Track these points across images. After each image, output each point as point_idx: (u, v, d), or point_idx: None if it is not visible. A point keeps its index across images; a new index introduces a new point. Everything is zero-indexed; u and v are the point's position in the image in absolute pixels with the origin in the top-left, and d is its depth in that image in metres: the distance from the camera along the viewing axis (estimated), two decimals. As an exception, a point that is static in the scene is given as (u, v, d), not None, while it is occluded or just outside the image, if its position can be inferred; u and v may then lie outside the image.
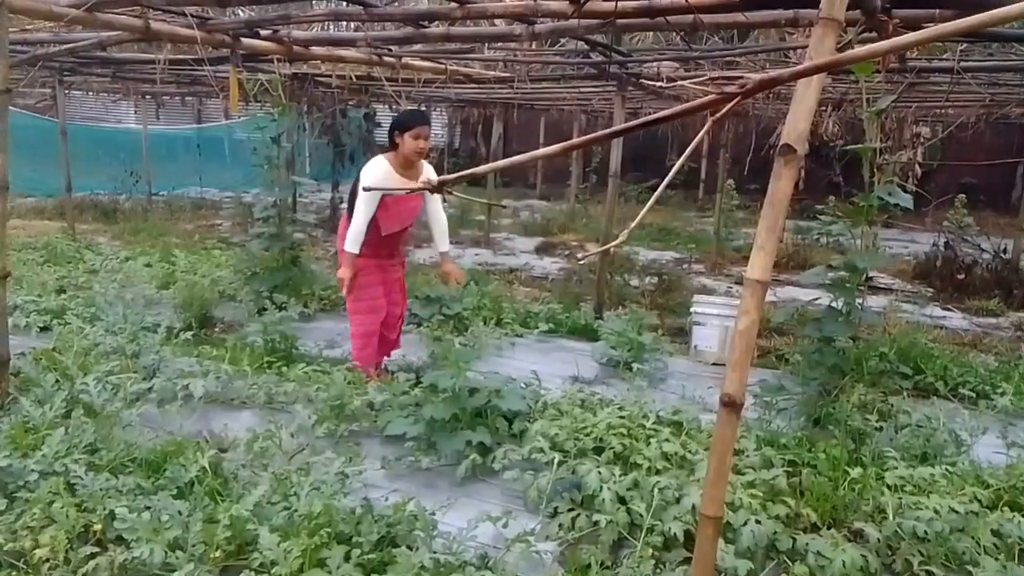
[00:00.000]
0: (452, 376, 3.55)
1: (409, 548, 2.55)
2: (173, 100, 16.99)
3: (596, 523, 2.80)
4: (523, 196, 15.94)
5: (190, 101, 18.14)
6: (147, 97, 13.99)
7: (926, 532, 2.66)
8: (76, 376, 3.86)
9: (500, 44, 6.01)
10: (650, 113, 8.65)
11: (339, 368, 4.25)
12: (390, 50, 5.42)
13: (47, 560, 2.52)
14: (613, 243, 1.14)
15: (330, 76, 7.14)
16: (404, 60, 5.64)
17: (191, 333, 4.98)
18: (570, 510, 2.96)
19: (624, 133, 1.14)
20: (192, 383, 3.93)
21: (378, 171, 4.10)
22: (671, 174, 1.18)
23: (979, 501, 2.92)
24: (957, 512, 2.76)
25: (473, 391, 3.65)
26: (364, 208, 4.08)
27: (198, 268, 7.04)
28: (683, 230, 11.54)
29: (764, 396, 4.27)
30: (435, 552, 2.56)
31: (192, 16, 4.35)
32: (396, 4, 5.69)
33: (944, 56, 5.42)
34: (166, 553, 2.48)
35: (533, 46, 7.09)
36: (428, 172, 4.31)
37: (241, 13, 4.88)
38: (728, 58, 6.01)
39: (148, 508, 2.69)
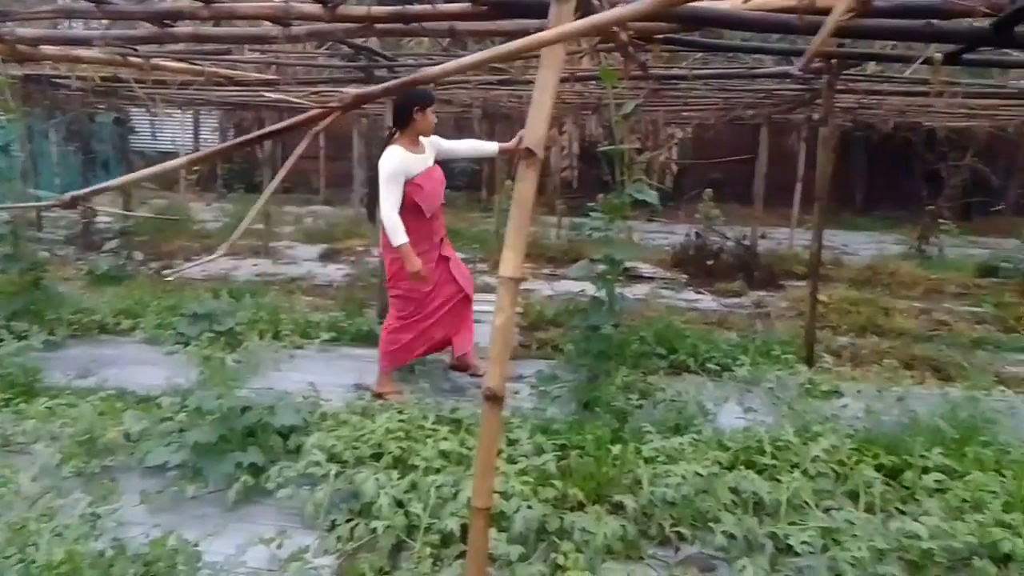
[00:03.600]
0: (218, 396, 3.36)
1: (169, 585, 2.39)
2: None
3: (374, 530, 2.79)
4: (306, 202, 15.44)
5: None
6: None
7: (674, 497, 2.94)
8: None
9: (266, 46, 5.77)
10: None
11: (91, 399, 3.87)
12: (135, 50, 5.00)
13: None
14: (214, 256, 1.14)
15: (69, 78, 6.44)
16: (153, 61, 5.23)
17: (-97, 375, 4.29)
18: (348, 521, 2.92)
19: (243, 146, 1.14)
20: (-99, 433, 3.39)
21: (396, 158, 4.21)
22: (275, 181, 1.20)
23: (719, 463, 3.27)
24: (701, 475, 3.08)
25: (245, 410, 3.48)
26: (391, 197, 4.15)
27: (-86, 298, 6.07)
28: (467, 231, 11.78)
29: (540, 386, 4.48)
30: (199, 585, 2.41)
31: None
32: (141, 1, 5.26)
33: (682, 65, 6.02)
34: None
35: (308, 48, 6.88)
36: (429, 143, 4.45)
37: (-52, 6, 4.27)
38: (494, 64, 6.22)
39: None
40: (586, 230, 4.67)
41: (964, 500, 3.05)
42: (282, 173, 1.16)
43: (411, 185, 4.24)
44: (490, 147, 4.76)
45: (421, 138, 4.40)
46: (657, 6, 1.28)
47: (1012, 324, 6.68)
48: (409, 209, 4.26)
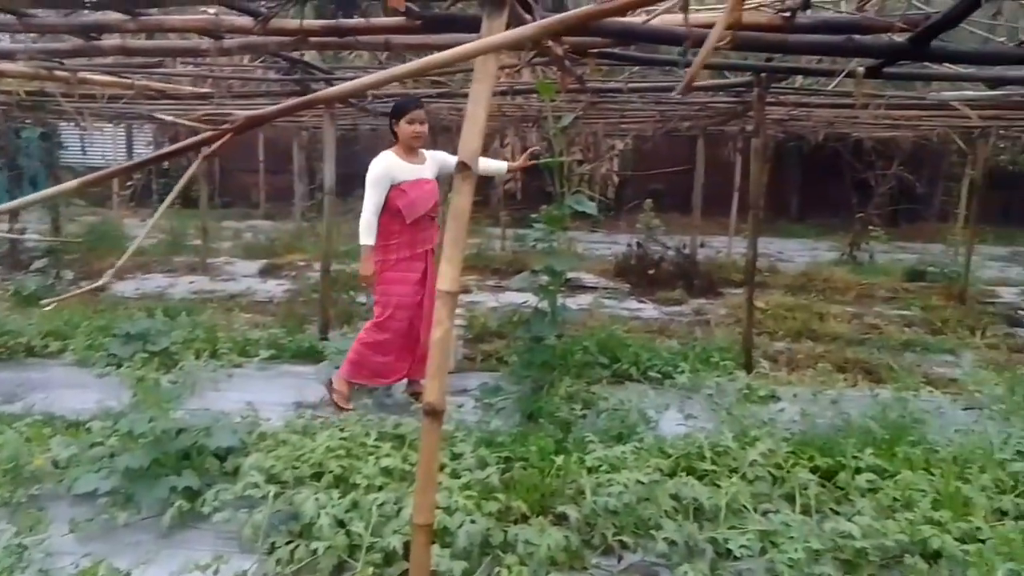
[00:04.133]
0: (151, 419, 3.26)
1: (99, 617, 2.29)
2: None
3: (315, 551, 2.73)
4: (246, 216, 15.15)
5: None
6: None
7: (617, 505, 2.96)
8: None
9: (201, 59, 5.65)
10: (368, 128, 8.56)
11: (17, 425, 3.71)
12: (62, 63, 4.85)
13: None
14: (101, 281, 1.12)
15: (-9, 92, 6.21)
16: (80, 74, 5.07)
17: None
18: (288, 543, 2.85)
19: (141, 167, 1.12)
20: None
21: (384, 161, 4.29)
22: (167, 202, 1.19)
23: (661, 471, 3.30)
24: (643, 483, 3.10)
25: (179, 432, 3.38)
26: (371, 200, 4.25)
27: None
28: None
29: (484, 398, 4.47)
30: (130, 616, 2.33)
31: None
32: (67, 14, 5.09)
33: (620, 78, 6.11)
34: None
35: (246, 61, 6.74)
36: (433, 157, 4.53)
37: None
38: (433, 77, 6.21)
39: None
40: (530, 241, 4.70)
41: (895, 499, 3.15)
42: (172, 196, 1.14)
43: (396, 190, 4.29)
44: (498, 165, 4.89)
45: (423, 151, 4.47)
46: (575, 21, 1.30)
47: (938, 327, 6.96)
48: (391, 213, 4.31)
